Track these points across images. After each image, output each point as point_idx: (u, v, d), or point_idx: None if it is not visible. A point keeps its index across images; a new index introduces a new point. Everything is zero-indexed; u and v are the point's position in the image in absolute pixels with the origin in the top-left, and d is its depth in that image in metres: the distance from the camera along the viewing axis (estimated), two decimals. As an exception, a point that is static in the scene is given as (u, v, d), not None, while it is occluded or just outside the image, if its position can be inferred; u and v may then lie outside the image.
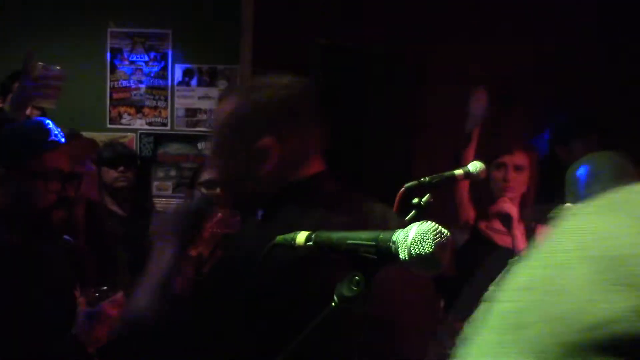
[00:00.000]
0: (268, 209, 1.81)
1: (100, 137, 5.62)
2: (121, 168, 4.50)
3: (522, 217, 3.80)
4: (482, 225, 3.82)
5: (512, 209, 3.75)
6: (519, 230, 3.71)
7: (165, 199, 5.73)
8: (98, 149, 4.60)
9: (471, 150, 3.64)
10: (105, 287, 2.73)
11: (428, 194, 2.62)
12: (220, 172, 1.90)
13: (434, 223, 1.15)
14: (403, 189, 2.61)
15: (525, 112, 5.33)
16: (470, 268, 3.73)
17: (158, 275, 1.86)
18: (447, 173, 2.65)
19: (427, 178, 2.62)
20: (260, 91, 1.82)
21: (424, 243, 1.13)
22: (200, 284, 1.85)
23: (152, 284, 1.84)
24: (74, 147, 2.73)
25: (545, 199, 3.90)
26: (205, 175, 3.59)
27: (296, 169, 1.80)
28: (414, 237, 1.14)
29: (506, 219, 3.76)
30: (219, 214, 3.39)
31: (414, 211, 2.63)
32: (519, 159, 3.80)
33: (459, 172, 2.64)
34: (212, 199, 2.03)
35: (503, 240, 3.77)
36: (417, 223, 1.15)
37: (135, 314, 1.80)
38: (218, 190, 3.61)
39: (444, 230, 1.15)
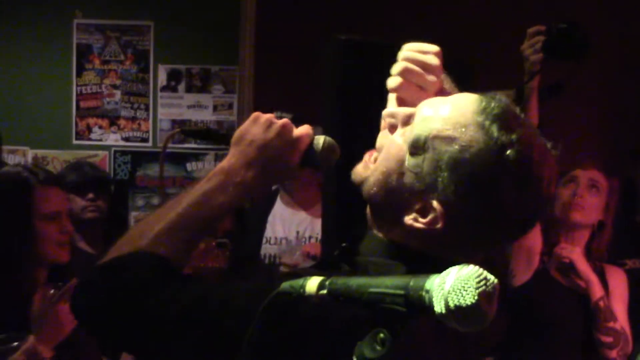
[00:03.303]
0: (381, 250, 1.69)
1: (64, 155, 5.66)
2: (90, 195, 4.52)
3: (591, 259, 3.78)
4: (549, 263, 3.80)
5: (574, 253, 3.72)
6: (591, 275, 3.69)
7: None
8: (60, 171, 4.63)
9: (533, 111, 3.49)
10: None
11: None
12: (387, 148, 1.70)
13: (477, 267, 1.15)
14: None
15: (602, 124, 5.35)
16: (530, 317, 3.72)
17: (199, 218, 1.73)
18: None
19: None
20: (502, 163, 1.56)
21: (464, 292, 1.13)
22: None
23: (182, 227, 1.71)
24: None
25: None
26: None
27: (442, 249, 1.64)
28: (453, 285, 1.14)
29: (569, 268, 3.74)
30: (201, 244, 3.39)
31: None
32: (595, 175, 3.78)
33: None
34: (339, 149, 1.83)
35: (573, 282, 3.75)
36: (457, 267, 1.15)
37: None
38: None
39: (489, 276, 1.15)
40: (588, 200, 3.73)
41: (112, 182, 5.09)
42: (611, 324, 3.58)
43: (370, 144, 1.80)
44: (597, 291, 3.65)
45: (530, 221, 1.67)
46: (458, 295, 1.14)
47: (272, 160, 1.79)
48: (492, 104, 1.62)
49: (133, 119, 5.90)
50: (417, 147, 1.62)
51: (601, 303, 3.61)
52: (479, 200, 1.57)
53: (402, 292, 1.21)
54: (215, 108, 5.83)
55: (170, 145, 5.81)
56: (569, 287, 3.74)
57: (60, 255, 3.17)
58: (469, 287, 1.13)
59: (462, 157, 1.57)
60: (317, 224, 4.18)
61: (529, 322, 3.71)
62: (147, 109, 5.89)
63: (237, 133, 1.82)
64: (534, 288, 3.70)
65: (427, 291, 1.17)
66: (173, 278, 1.63)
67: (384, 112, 1.77)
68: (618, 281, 3.80)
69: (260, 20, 5.52)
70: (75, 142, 5.88)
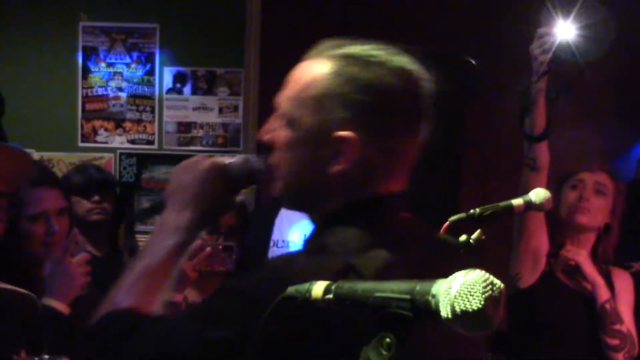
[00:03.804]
0: (322, 227, 1.75)
1: (70, 158, 5.67)
2: (96, 197, 4.52)
3: (597, 262, 3.77)
4: (555, 265, 3.79)
5: (580, 256, 3.72)
6: (597, 278, 3.68)
7: (151, 235, 5.72)
8: (66, 174, 4.64)
9: (540, 112, 3.50)
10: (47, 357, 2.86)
11: (479, 230, 2.62)
12: (278, 151, 1.80)
13: (483, 272, 1.15)
14: (447, 223, 2.62)
15: (608, 126, 5.35)
16: (536, 320, 3.72)
17: (154, 264, 1.82)
18: (503, 203, 2.65)
19: (477, 210, 2.62)
20: (363, 65, 1.71)
21: (470, 297, 1.13)
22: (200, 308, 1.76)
23: (142, 278, 1.80)
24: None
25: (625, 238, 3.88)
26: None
27: (370, 183, 1.74)
28: (459, 289, 1.14)
29: (575, 270, 3.74)
30: (208, 248, 3.41)
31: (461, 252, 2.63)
32: (602, 178, 3.78)
33: (517, 202, 2.64)
34: (262, 161, 1.92)
35: (579, 284, 3.74)
36: (463, 272, 1.15)
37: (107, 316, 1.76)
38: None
39: (496, 281, 1.15)
40: (594, 203, 3.73)
41: (117, 185, 5.09)
42: (617, 327, 3.58)
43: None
44: (603, 294, 3.65)
45: (420, 101, 1.77)
46: (464, 300, 1.13)
47: (198, 196, 1.90)
48: (321, 45, 1.79)
49: (139, 121, 5.91)
50: (294, 117, 1.74)
51: (607, 305, 3.61)
52: (369, 99, 1.69)
53: (408, 296, 1.21)
54: (220, 110, 5.83)
55: (174, 147, 5.83)
56: (575, 290, 3.74)
57: (48, 255, 3.20)
58: (475, 292, 1.13)
59: (330, 83, 1.70)
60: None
61: (534, 324, 3.71)
62: (152, 112, 5.89)
63: (167, 189, 1.95)
64: (539, 290, 3.71)
65: (434, 296, 1.17)
66: (141, 325, 1.70)
67: (261, 139, 1.86)
68: (624, 284, 3.80)
69: (265, 23, 5.53)
70: (80, 144, 5.89)
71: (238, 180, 1.94)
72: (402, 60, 1.76)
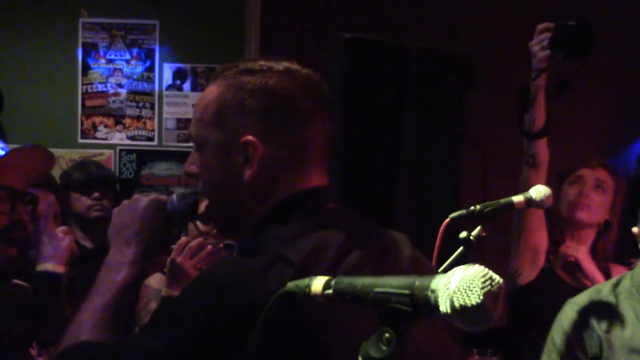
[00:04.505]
0: (252, 232, 1.82)
1: (69, 154, 5.67)
2: (96, 194, 4.53)
3: (597, 258, 3.78)
4: (554, 261, 3.80)
5: (580, 252, 3.72)
6: (597, 275, 3.69)
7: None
8: (66, 170, 4.64)
9: (540, 108, 3.50)
10: None
11: (479, 227, 2.63)
12: (199, 177, 1.90)
13: (482, 267, 1.15)
14: (448, 219, 2.63)
15: (608, 122, 5.35)
16: (535, 316, 3.72)
17: (106, 299, 1.90)
18: (504, 200, 2.66)
19: (478, 206, 2.63)
20: (250, 75, 1.83)
21: (470, 292, 1.13)
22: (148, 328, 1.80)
23: (96, 312, 1.88)
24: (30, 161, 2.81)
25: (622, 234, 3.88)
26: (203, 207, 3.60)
27: (286, 181, 1.81)
28: (458, 284, 1.14)
29: (574, 267, 3.74)
30: (208, 246, 3.40)
31: (461, 248, 2.63)
32: (601, 175, 3.79)
33: (517, 199, 2.65)
34: (196, 196, 2.06)
35: (579, 281, 3.75)
36: (462, 267, 1.15)
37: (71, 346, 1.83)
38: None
39: (495, 276, 1.15)
40: (594, 199, 3.74)
41: (117, 181, 5.10)
42: (617, 323, 3.58)
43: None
44: None
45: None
46: (463, 295, 1.14)
47: (139, 232, 2.00)
48: (213, 72, 1.90)
49: (138, 117, 5.91)
50: (202, 139, 1.86)
51: (607, 302, 3.61)
52: (260, 101, 1.80)
53: (407, 291, 1.21)
54: (220, 107, 5.83)
55: (174, 144, 5.84)
56: (575, 286, 3.74)
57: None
58: (474, 287, 1.13)
59: (224, 97, 1.82)
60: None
61: (533, 321, 3.71)
62: (152, 108, 5.90)
63: (109, 229, 2.04)
64: (539, 286, 3.71)
65: (433, 291, 1.17)
66: (98, 353, 1.77)
67: (188, 173, 1.95)
68: (623, 280, 3.81)
69: (265, 19, 5.53)
70: (80, 140, 5.89)
71: (177, 215, 2.05)
72: (287, 64, 1.86)
